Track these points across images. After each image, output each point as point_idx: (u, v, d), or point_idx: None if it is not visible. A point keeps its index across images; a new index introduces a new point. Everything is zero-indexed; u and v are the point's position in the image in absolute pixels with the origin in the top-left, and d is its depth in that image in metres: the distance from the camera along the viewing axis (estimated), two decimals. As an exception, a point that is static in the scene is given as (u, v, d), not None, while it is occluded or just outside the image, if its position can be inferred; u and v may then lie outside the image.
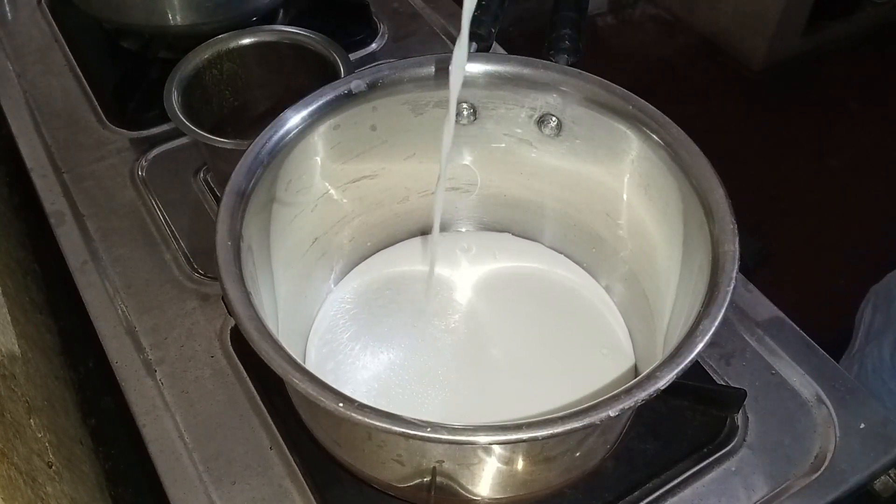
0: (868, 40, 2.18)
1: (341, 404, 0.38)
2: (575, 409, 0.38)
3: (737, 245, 0.43)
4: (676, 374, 0.39)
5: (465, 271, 0.66)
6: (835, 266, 1.58)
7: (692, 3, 2.22)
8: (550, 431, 0.37)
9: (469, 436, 0.37)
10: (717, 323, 0.40)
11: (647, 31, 2.26)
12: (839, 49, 2.16)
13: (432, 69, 0.55)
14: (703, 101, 2.05)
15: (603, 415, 0.38)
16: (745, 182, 1.73)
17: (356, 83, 0.53)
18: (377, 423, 0.37)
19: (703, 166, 0.48)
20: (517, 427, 0.37)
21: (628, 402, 0.38)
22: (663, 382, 0.38)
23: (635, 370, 0.59)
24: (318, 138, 0.53)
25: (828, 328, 1.02)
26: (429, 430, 0.37)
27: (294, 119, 0.51)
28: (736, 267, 0.42)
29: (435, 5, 0.94)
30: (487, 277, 0.65)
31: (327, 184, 0.57)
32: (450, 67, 0.50)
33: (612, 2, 2.27)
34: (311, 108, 0.52)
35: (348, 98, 0.53)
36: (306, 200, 0.56)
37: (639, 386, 0.39)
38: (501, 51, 0.81)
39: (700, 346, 0.40)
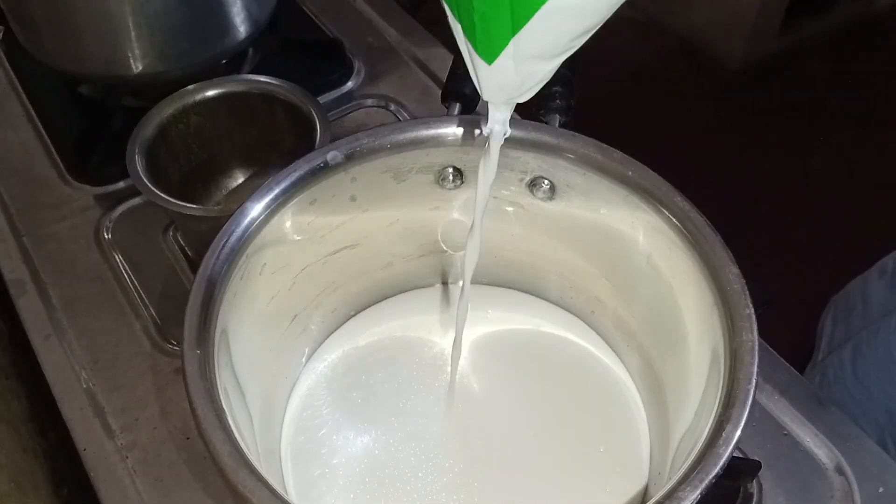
0: (845, 36, 2.16)
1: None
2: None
3: (755, 334, 0.40)
4: (700, 492, 0.35)
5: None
6: (817, 265, 1.56)
7: (667, 4, 2.19)
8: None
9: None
10: (739, 429, 0.37)
11: (622, 34, 2.23)
12: (816, 46, 2.14)
13: (413, 134, 0.51)
14: (681, 103, 2.03)
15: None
16: (725, 183, 1.72)
17: (333, 155, 0.49)
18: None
19: (711, 240, 0.44)
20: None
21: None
22: None
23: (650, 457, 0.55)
24: (293, 216, 0.49)
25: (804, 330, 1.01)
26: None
27: (258, 206, 0.46)
28: (756, 360, 0.39)
29: (412, 38, 0.90)
30: (484, 340, 0.61)
31: (305, 260, 0.53)
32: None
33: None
34: (282, 186, 0.47)
35: (325, 171, 0.49)
36: (283, 280, 0.52)
37: (659, 509, 0.35)
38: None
39: (725, 458, 0.36)
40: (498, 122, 0.44)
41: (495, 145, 0.45)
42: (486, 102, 0.44)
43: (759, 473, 0.56)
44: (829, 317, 0.98)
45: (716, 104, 2.05)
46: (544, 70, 0.41)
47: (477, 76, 0.42)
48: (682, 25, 2.18)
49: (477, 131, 0.51)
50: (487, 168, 0.46)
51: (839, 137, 1.94)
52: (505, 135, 0.45)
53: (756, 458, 0.56)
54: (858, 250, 1.02)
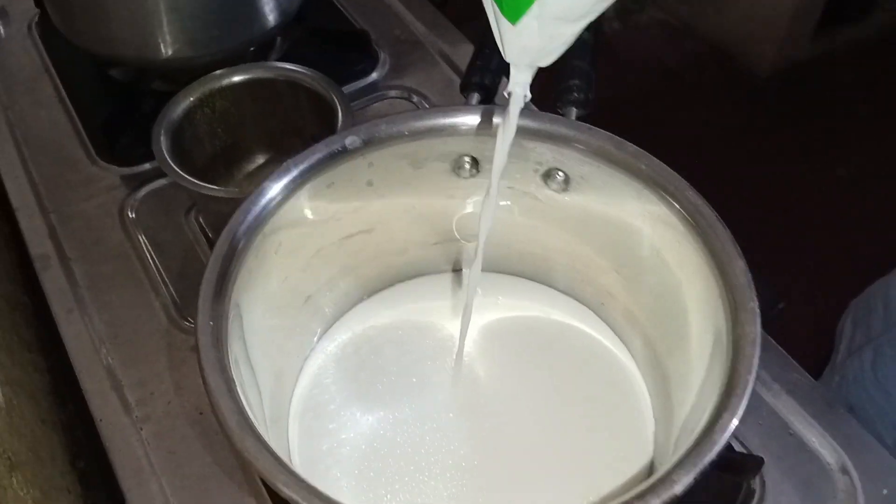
0: (879, 45, 2.14)
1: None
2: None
3: (758, 326, 0.40)
4: (695, 476, 0.36)
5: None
6: (841, 270, 1.55)
7: (700, 8, 2.18)
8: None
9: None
10: (736, 417, 0.37)
11: (655, 37, 2.23)
12: (850, 54, 2.11)
13: (430, 122, 0.52)
14: (711, 108, 2.02)
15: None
16: (752, 188, 1.71)
17: (351, 139, 0.50)
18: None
19: (720, 234, 0.45)
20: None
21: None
22: (679, 487, 0.35)
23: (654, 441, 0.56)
24: (310, 199, 0.50)
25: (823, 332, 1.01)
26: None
27: (276, 187, 0.47)
28: (757, 352, 0.39)
29: (439, 32, 0.91)
30: (493, 326, 0.62)
31: (321, 242, 0.54)
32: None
33: (618, 7, 2.23)
34: (301, 168, 0.48)
35: (343, 155, 0.50)
36: (298, 260, 0.53)
37: (652, 491, 0.36)
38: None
39: (720, 444, 0.37)
40: (519, 84, 0.44)
41: (515, 108, 0.45)
42: (509, 65, 0.44)
43: (763, 471, 0.57)
44: (848, 319, 0.98)
45: (745, 109, 2.03)
46: (568, 33, 0.42)
47: (501, 37, 0.43)
48: (715, 30, 2.17)
49: (495, 120, 0.51)
50: (507, 130, 0.47)
51: (871, 147, 1.92)
52: (525, 98, 0.45)
53: (759, 455, 0.56)
54: (881, 257, 1.02)
